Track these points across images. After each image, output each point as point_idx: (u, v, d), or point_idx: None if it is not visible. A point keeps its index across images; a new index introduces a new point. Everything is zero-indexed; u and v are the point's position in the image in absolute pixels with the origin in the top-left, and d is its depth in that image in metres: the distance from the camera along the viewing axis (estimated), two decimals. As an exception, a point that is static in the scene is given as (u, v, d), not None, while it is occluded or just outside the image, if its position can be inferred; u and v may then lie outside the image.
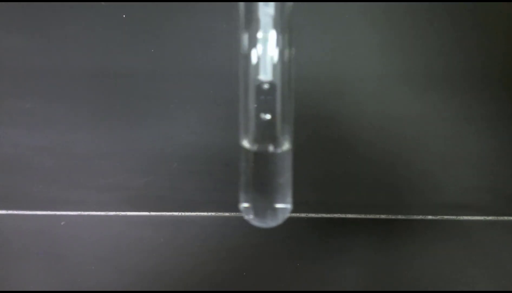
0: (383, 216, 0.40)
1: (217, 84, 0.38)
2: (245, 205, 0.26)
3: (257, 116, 0.24)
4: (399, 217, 0.40)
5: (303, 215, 0.41)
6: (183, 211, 0.41)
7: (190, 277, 0.41)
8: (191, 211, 0.40)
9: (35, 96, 0.38)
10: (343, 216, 0.40)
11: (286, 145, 0.25)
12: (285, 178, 0.26)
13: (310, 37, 0.37)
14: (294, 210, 0.39)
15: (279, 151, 0.25)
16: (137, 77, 0.38)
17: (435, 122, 0.38)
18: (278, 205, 0.26)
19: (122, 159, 0.39)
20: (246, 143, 0.25)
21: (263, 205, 0.25)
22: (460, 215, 0.40)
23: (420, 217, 0.40)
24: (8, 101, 0.38)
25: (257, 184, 0.25)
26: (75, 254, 0.41)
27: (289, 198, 0.26)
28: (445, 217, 0.40)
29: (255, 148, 0.25)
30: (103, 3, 0.36)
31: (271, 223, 0.26)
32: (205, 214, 0.41)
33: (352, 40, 0.37)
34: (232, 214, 0.40)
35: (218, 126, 0.38)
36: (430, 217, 0.40)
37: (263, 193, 0.25)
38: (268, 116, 0.24)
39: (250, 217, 0.26)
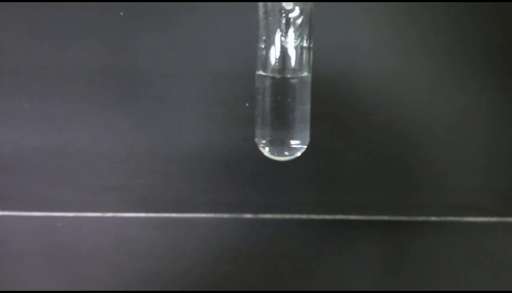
0: (385, 217, 0.40)
1: (217, 84, 0.37)
2: (262, 141, 0.25)
3: (276, 41, 0.23)
4: (402, 218, 0.40)
5: (304, 216, 0.40)
6: (181, 212, 0.40)
7: (190, 278, 0.41)
8: (190, 212, 0.40)
9: (32, 96, 0.38)
10: (345, 217, 0.40)
11: (304, 73, 0.24)
12: (303, 109, 0.25)
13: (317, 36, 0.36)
14: (295, 211, 0.40)
15: (297, 76, 0.24)
16: (136, 77, 0.37)
17: (439, 123, 0.38)
18: (295, 139, 0.25)
19: (119, 159, 0.39)
20: (262, 72, 0.24)
21: (280, 140, 0.25)
22: (463, 216, 0.40)
23: (423, 218, 0.40)
24: (4, 101, 0.38)
25: (273, 116, 0.24)
26: (71, 256, 0.41)
27: (307, 131, 0.25)
28: (449, 218, 0.40)
29: (272, 74, 0.24)
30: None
31: (287, 157, 0.25)
32: (204, 215, 0.40)
33: (359, 39, 0.37)
34: (232, 215, 0.40)
35: (217, 127, 0.38)
36: (433, 218, 0.40)
37: (280, 126, 0.24)
38: (287, 39, 0.23)
39: (266, 152, 0.25)
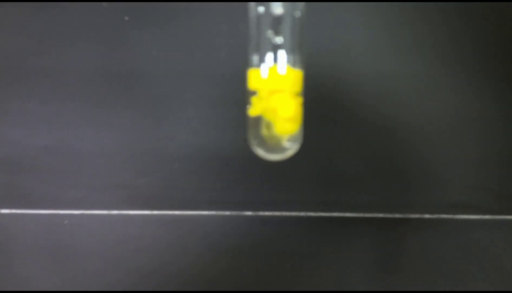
0: (380, 215, 0.40)
1: (217, 85, 0.38)
2: (254, 141, 0.25)
3: (268, 41, 0.22)
4: (397, 215, 0.40)
5: (302, 213, 0.41)
6: (184, 210, 0.40)
7: (191, 275, 0.41)
8: (192, 210, 0.40)
9: (36, 96, 0.38)
10: (341, 214, 0.40)
11: (297, 69, 0.24)
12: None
13: (311, 37, 0.37)
14: (293, 209, 0.41)
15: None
16: (137, 78, 0.38)
17: (433, 122, 0.39)
18: (288, 139, 0.25)
19: (124, 158, 0.39)
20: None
21: (273, 144, 0.24)
22: (456, 214, 0.40)
23: (417, 215, 0.40)
24: (10, 101, 0.38)
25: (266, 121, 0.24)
26: (78, 253, 0.41)
27: (300, 131, 0.25)
28: (442, 215, 0.40)
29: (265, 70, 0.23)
30: (104, 3, 0.36)
31: (279, 156, 0.25)
32: (206, 212, 0.41)
33: (355, 41, 0.37)
34: (233, 213, 0.40)
35: (218, 126, 0.39)
36: (427, 215, 0.40)
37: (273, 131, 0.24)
38: (279, 40, 0.22)
39: (258, 151, 0.25)
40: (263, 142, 0.25)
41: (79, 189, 0.40)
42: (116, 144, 0.39)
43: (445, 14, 0.37)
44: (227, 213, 0.40)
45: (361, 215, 0.40)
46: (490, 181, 0.40)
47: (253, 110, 0.24)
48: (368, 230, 0.40)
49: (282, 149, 0.25)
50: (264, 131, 0.24)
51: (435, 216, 0.40)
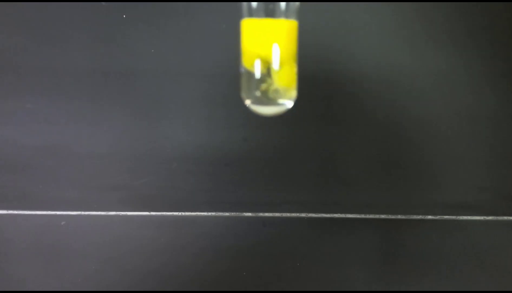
0: (383, 216, 0.40)
1: (217, 85, 0.38)
2: (249, 96, 0.25)
3: None
4: (399, 216, 0.40)
5: (303, 214, 0.41)
6: (183, 211, 0.41)
7: (190, 276, 0.42)
8: (192, 211, 0.41)
9: (35, 97, 0.38)
10: (343, 215, 0.40)
11: (292, 18, 0.24)
12: None
13: (312, 33, 0.37)
14: (294, 210, 0.41)
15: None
16: (137, 78, 0.38)
17: (436, 123, 0.39)
18: (280, 101, 0.25)
19: (121, 159, 0.39)
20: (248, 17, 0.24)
21: (266, 100, 0.25)
22: (459, 215, 0.40)
23: (420, 216, 0.40)
24: (8, 101, 0.38)
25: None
26: (75, 254, 0.41)
27: (294, 91, 0.25)
28: (445, 216, 0.40)
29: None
30: (103, 3, 0.36)
31: (274, 111, 0.25)
32: (205, 213, 0.41)
33: (359, 39, 0.37)
34: (232, 214, 0.41)
35: (218, 127, 0.39)
36: (430, 216, 0.40)
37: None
38: None
39: (253, 107, 0.25)
40: (257, 97, 0.25)
41: (77, 189, 0.40)
42: (113, 145, 0.39)
43: (462, 10, 0.37)
44: (227, 214, 0.41)
45: (363, 216, 0.40)
46: (494, 182, 0.40)
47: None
48: (370, 231, 0.41)
49: (276, 104, 0.25)
50: (262, 87, 0.25)
51: (438, 217, 0.40)
